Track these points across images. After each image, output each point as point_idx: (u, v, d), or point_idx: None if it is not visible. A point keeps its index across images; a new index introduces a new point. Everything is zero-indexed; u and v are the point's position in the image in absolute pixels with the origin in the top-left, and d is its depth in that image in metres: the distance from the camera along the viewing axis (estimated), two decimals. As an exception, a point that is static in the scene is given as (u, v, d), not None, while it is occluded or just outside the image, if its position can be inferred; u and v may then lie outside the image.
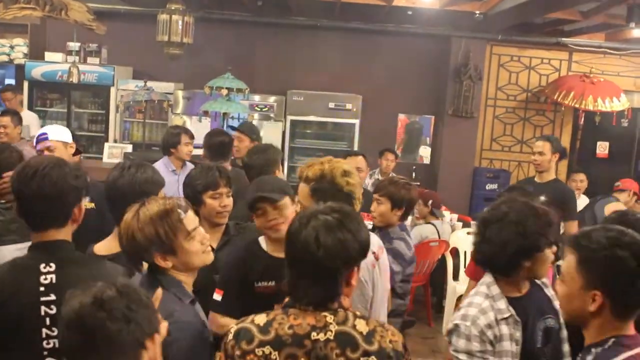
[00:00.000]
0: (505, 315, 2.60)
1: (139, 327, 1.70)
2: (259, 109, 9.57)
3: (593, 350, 2.15)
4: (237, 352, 2.08)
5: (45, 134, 4.51)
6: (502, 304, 2.63)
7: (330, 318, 2.11)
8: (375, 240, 3.30)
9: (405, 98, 10.27)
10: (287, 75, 9.92)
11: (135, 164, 3.24)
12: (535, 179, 6.15)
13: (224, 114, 7.83)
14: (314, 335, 2.08)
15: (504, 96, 10.41)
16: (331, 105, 9.63)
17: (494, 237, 2.63)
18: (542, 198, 3.93)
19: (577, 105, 9.31)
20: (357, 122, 9.67)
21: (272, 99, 9.67)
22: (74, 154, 4.57)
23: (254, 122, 9.12)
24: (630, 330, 2.16)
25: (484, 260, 2.74)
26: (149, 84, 8.92)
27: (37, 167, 2.42)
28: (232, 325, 2.21)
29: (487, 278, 2.72)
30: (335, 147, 9.80)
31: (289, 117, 9.65)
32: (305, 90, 9.69)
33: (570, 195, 6.07)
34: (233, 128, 6.38)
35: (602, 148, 10.73)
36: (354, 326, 2.12)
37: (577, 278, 2.14)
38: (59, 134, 4.54)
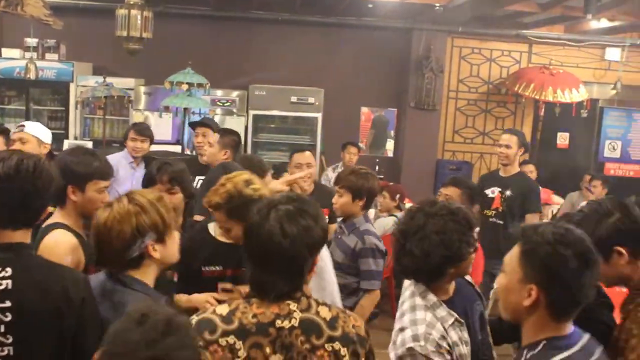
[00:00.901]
0: (450, 322, 2.51)
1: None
2: (221, 104, 9.53)
3: (525, 352, 2.11)
4: (201, 343, 2.01)
5: (23, 125, 4.48)
6: (443, 310, 2.53)
7: (293, 306, 2.12)
8: None
9: (368, 91, 10.29)
10: (249, 70, 9.87)
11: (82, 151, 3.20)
12: (500, 172, 6.22)
13: (185, 109, 7.77)
14: (278, 323, 2.08)
15: (465, 88, 10.48)
16: (293, 99, 9.60)
17: (415, 249, 2.50)
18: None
19: (537, 97, 9.41)
20: (319, 115, 9.67)
21: (234, 94, 9.63)
22: (48, 157, 4.47)
23: (216, 117, 9.11)
24: (566, 330, 2.10)
25: (406, 272, 2.63)
26: (109, 79, 8.83)
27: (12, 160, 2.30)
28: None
29: (418, 287, 2.58)
30: (298, 141, 9.78)
31: (252, 112, 9.61)
32: (268, 85, 9.65)
33: (534, 188, 6.18)
34: (193, 124, 6.31)
35: (563, 139, 10.87)
36: (317, 313, 2.14)
37: (518, 270, 2.09)
38: (36, 130, 4.52)
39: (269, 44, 9.97)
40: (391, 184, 7.96)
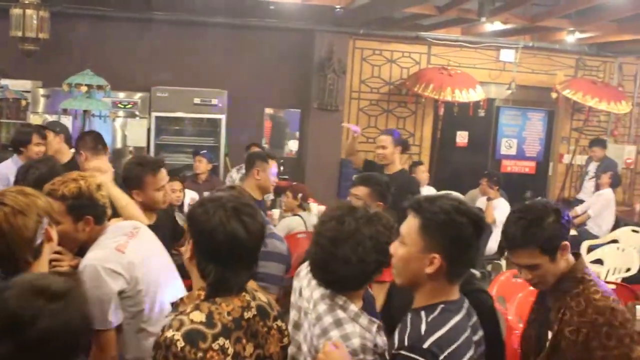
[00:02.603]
0: (374, 328, 2.47)
1: None
2: (122, 106, 9.36)
3: (423, 314, 2.22)
4: (200, 354, 2.08)
5: None
6: (364, 319, 2.48)
7: (248, 296, 2.29)
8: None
9: (272, 92, 10.32)
10: (151, 72, 9.72)
11: None
12: (385, 171, 6.28)
13: (85, 111, 7.63)
14: (245, 315, 2.25)
15: (367, 89, 10.65)
16: (197, 100, 9.54)
17: (352, 255, 2.42)
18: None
19: (436, 97, 9.65)
20: (223, 117, 9.64)
21: (136, 96, 9.48)
22: None
23: (118, 120, 8.97)
24: (455, 294, 2.30)
25: (335, 280, 2.49)
26: (4, 81, 8.58)
27: None
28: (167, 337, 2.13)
29: (338, 299, 2.49)
30: (202, 143, 9.72)
31: (154, 114, 9.49)
32: (170, 87, 9.55)
33: (414, 184, 6.40)
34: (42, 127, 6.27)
35: (462, 137, 11.20)
36: (260, 298, 2.36)
37: (418, 241, 2.22)
38: None
39: (171, 46, 9.85)
40: (294, 183, 8.02)
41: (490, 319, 2.71)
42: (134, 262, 3.00)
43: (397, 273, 2.34)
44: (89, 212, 3.03)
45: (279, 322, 2.40)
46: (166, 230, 4.35)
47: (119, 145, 9.43)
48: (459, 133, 11.15)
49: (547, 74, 10.99)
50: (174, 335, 2.09)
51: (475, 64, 10.80)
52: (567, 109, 11.23)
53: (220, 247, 2.19)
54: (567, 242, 2.72)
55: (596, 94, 9.75)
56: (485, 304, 2.74)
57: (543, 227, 2.66)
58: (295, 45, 10.23)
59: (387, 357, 2.28)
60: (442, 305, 2.23)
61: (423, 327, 2.17)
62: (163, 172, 4.24)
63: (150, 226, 3.51)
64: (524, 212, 2.73)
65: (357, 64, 10.55)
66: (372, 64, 10.61)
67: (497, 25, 9.01)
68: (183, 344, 2.07)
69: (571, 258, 2.76)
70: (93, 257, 2.98)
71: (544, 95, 10.79)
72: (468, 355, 2.18)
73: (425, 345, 2.09)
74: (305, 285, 2.66)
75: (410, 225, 2.26)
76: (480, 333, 2.36)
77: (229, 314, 2.19)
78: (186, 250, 2.30)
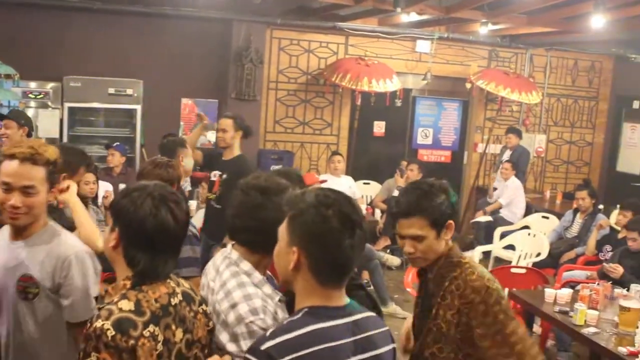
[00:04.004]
0: (277, 299, 2.48)
1: None
2: (33, 96, 9.09)
3: (288, 317, 2.13)
4: (131, 342, 2.06)
5: None
6: (268, 288, 2.50)
7: (173, 283, 2.30)
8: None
9: (188, 82, 10.19)
10: (63, 61, 9.46)
11: None
12: (222, 157, 6.28)
13: (-7, 101, 7.39)
14: (172, 301, 2.25)
15: (285, 79, 10.64)
16: (111, 90, 9.35)
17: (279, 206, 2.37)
18: None
19: (353, 87, 9.70)
20: (139, 107, 9.48)
21: (48, 86, 9.22)
22: None
23: (30, 110, 8.71)
24: (335, 300, 2.10)
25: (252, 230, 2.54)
26: None
27: None
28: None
29: (244, 265, 2.53)
30: (117, 134, 9.57)
31: (67, 105, 9.24)
32: (84, 76, 9.32)
33: (249, 170, 5.95)
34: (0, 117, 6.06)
35: (379, 127, 11.31)
36: (183, 285, 2.37)
37: (285, 235, 2.11)
38: None
39: (84, 34, 9.59)
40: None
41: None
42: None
43: (278, 271, 2.25)
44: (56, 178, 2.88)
45: (204, 307, 2.41)
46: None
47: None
48: (376, 123, 11.26)
49: (461, 65, 11.22)
50: (103, 324, 2.06)
51: (392, 54, 10.92)
52: (481, 99, 11.48)
53: (150, 236, 2.20)
54: (452, 222, 2.80)
55: (508, 85, 10.00)
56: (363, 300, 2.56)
57: (436, 200, 2.76)
58: (213, 34, 10.13)
59: None
60: (306, 309, 2.06)
61: (272, 329, 2.06)
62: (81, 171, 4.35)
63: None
64: (419, 184, 2.85)
65: (275, 53, 10.52)
66: (289, 53, 10.60)
67: (413, 16, 9.12)
68: (114, 332, 2.04)
69: (449, 242, 2.84)
70: (76, 244, 2.88)
71: (458, 85, 11.01)
72: None
73: (263, 347, 1.96)
74: (214, 266, 2.66)
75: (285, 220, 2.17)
76: (375, 352, 2.15)
77: (156, 301, 2.19)
78: (109, 239, 2.28)
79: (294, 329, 2.01)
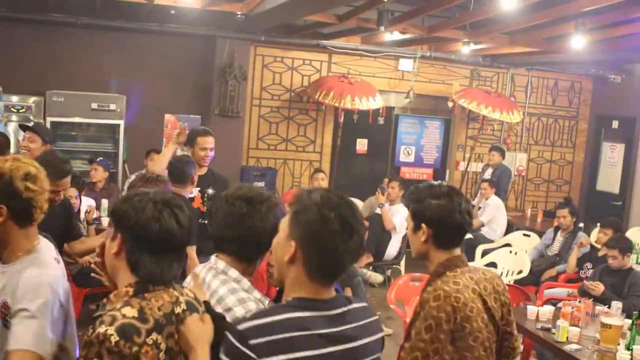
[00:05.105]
0: (267, 303, 2.54)
1: None
2: (15, 111, 9.05)
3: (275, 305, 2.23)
4: (135, 349, 2.04)
5: None
6: (257, 293, 2.59)
7: (176, 292, 2.27)
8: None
9: (172, 98, 10.20)
10: (47, 75, 9.43)
11: None
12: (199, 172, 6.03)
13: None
14: (176, 309, 2.21)
15: (268, 96, 10.67)
16: (94, 105, 9.32)
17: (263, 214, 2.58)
18: None
19: (336, 104, 9.74)
20: (121, 122, 9.47)
21: (30, 100, 9.18)
22: None
23: (11, 124, 8.67)
24: (324, 295, 2.17)
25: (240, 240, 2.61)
26: None
27: None
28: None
29: (232, 273, 2.60)
30: (100, 149, 9.55)
31: (49, 119, 9.19)
32: (66, 91, 9.29)
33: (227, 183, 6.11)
34: (24, 128, 6.05)
35: (362, 145, 11.36)
36: (187, 294, 2.32)
37: (286, 227, 2.19)
38: None
39: (67, 49, 9.59)
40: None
41: None
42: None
43: (274, 259, 2.31)
44: (2, 200, 2.59)
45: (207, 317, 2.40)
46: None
47: (12, 150, 9.08)
48: (359, 140, 11.31)
49: (443, 84, 11.31)
50: (107, 330, 2.03)
51: (375, 72, 10.99)
52: (463, 118, 11.58)
53: (154, 240, 2.19)
54: (429, 229, 2.78)
55: (490, 104, 10.09)
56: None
57: (424, 199, 2.82)
58: (196, 51, 10.16)
59: None
60: (290, 299, 2.15)
61: (253, 312, 2.18)
62: (67, 180, 4.22)
63: None
64: (425, 184, 2.94)
65: (259, 70, 10.56)
66: (273, 71, 10.63)
67: (396, 35, 9.19)
68: (117, 338, 2.02)
69: (443, 255, 2.81)
70: (43, 273, 2.63)
71: (440, 104, 11.09)
72: (297, 355, 2.05)
73: (240, 327, 2.04)
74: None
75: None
76: (353, 344, 2.19)
77: (159, 309, 2.16)
78: (111, 247, 2.25)
79: (273, 314, 2.09)
